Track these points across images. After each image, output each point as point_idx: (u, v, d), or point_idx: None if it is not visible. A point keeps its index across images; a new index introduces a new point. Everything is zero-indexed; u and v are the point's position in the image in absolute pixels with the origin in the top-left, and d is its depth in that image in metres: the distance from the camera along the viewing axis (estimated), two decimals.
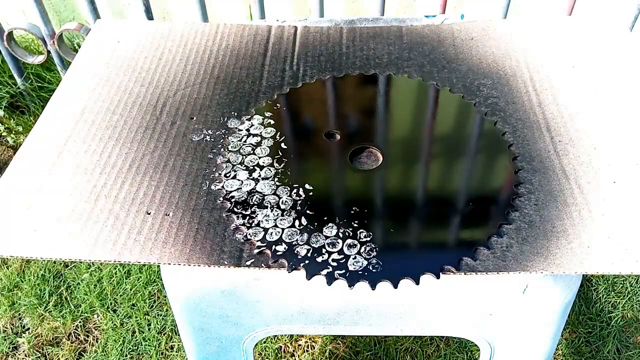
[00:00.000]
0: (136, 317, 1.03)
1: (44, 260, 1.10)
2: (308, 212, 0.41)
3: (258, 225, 0.40)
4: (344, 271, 0.37)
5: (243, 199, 0.42)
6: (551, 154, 0.46)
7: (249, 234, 0.40)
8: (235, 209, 0.41)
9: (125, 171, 0.45)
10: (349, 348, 0.95)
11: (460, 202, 0.42)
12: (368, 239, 0.39)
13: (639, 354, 0.96)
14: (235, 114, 0.50)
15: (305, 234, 0.40)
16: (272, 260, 0.38)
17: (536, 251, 0.38)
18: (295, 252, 0.39)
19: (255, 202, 0.42)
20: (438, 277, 0.36)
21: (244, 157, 0.46)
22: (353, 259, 0.38)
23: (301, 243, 0.39)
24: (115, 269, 1.10)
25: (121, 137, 0.48)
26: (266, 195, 0.42)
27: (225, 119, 0.50)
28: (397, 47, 0.57)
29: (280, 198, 0.42)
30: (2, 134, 1.35)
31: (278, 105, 0.51)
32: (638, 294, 1.03)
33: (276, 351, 0.93)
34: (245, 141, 0.47)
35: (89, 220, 0.41)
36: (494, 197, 0.42)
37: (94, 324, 1.04)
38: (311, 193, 0.42)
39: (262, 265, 0.38)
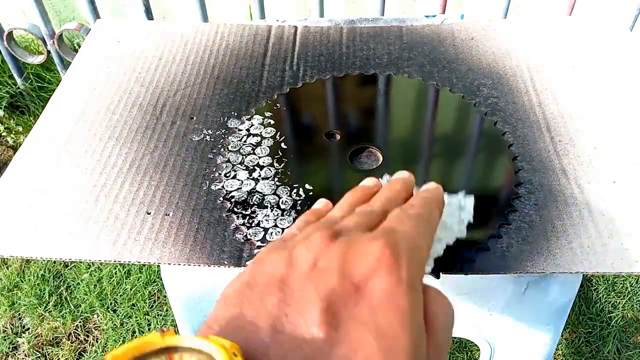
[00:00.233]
0: (136, 317, 1.03)
1: (43, 260, 1.10)
2: None
3: (258, 225, 0.40)
4: None
5: (243, 198, 0.42)
6: (551, 154, 0.46)
7: (249, 233, 0.40)
8: (235, 209, 0.41)
9: (125, 171, 0.45)
10: None
11: None
12: None
13: (639, 354, 0.96)
14: (235, 114, 0.50)
15: None
16: None
17: (536, 251, 0.38)
18: None
19: (255, 202, 0.42)
20: (438, 277, 0.36)
21: (244, 157, 0.46)
22: None
23: None
24: (115, 269, 1.10)
25: (121, 137, 0.48)
26: (266, 195, 0.42)
27: (225, 118, 0.50)
28: (397, 47, 0.57)
29: (280, 198, 0.42)
30: (2, 134, 1.35)
31: (278, 105, 0.51)
32: (638, 294, 1.03)
33: None
34: (245, 141, 0.47)
35: (89, 220, 0.41)
36: (494, 197, 0.42)
37: (94, 324, 1.04)
38: (311, 193, 0.42)
39: None
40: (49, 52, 1.15)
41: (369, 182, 0.33)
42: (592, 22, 0.59)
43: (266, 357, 0.19)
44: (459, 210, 0.33)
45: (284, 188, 0.43)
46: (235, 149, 0.47)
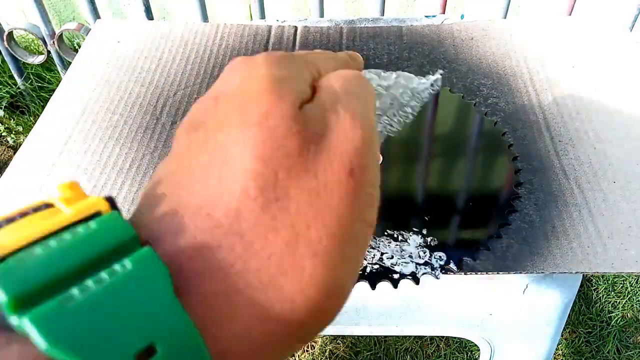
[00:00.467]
0: None
1: None
2: None
3: None
4: None
5: None
6: (551, 154, 0.46)
7: None
8: None
9: (126, 171, 0.45)
10: (348, 348, 0.95)
11: (460, 202, 0.42)
12: None
13: (639, 354, 0.96)
14: None
15: None
16: None
17: (536, 251, 0.38)
18: None
19: None
20: (438, 277, 0.36)
21: None
22: None
23: None
24: None
25: (121, 137, 0.48)
26: None
27: None
28: (397, 47, 0.57)
29: None
30: (2, 134, 1.35)
31: None
32: (638, 294, 1.03)
33: None
34: None
35: None
36: (494, 197, 0.42)
37: None
38: None
39: None
40: (49, 52, 1.15)
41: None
42: (592, 22, 0.59)
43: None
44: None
45: None
46: None
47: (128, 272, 0.14)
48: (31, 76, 1.33)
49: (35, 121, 0.49)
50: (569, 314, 0.52)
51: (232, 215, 0.16)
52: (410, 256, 0.38)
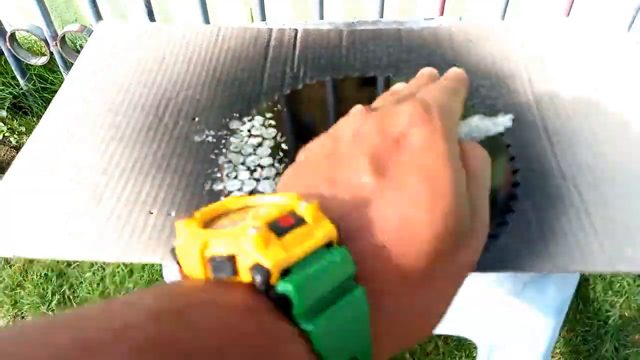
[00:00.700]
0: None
1: (46, 260, 1.11)
2: None
3: None
4: None
5: None
6: (549, 155, 0.46)
7: None
8: None
9: (128, 171, 0.45)
10: None
11: None
12: None
13: (636, 353, 0.96)
14: (237, 115, 0.51)
15: None
16: None
17: (534, 251, 0.39)
18: None
19: None
20: None
21: (246, 157, 0.46)
22: None
23: None
24: (118, 267, 1.11)
25: (124, 138, 0.48)
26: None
27: (227, 120, 0.50)
28: (396, 49, 0.58)
29: None
30: (5, 135, 1.35)
31: (279, 106, 0.51)
32: (635, 293, 1.03)
33: None
34: (246, 142, 0.48)
35: (91, 219, 0.41)
36: (492, 197, 0.43)
37: None
38: None
39: None
40: (51, 53, 1.15)
41: (397, 85, 0.35)
42: (591, 22, 0.59)
43: (325, 208, 0.21)
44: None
45: None
46: (236, 150, 0.47)
47: (357, 299, 0.19)
48: (34, 77, 1.33)
49: (38, 122, 0.50)
50: (567, 313, 0.53)
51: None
52: None
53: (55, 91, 0.53)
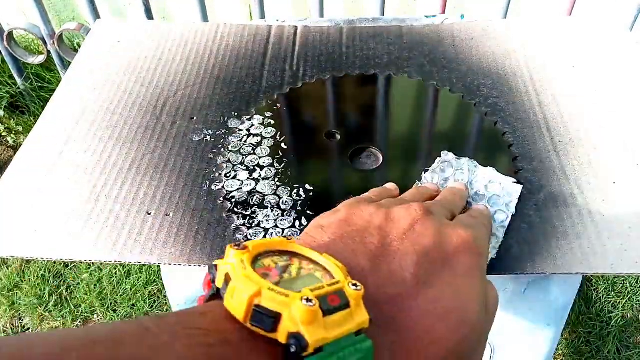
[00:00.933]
0: (136, 317, 1.03)
1: (44, 260, 1.10)
2: (308, 212, 0.41)
3: (258, 225, 0.40)
4: None
5: (243, 199, 0.42)
6: (551, 154, 0.46)
7: (250, 234, 0.40)
8: (236, 209, 0.41)
9: (126, 171, 0.45)
10: None
11: None
12: None
13: (639, 354, 0.96)
14: (236, 114, 0.50)
15: None
16: None
17: (536, 252, 0.38)
18: None
19: (256, 203, 0.42)
20: None
21: (245, 157, 0.46)
22: None
23: None
24: (115, 269, 1.10)
25: (121, 137, 0.48)
26: (266, 195, 0.42)
27: (226, 119, 0.50)
28: (397, 47, 0.57)
29: (280, 198, 0.42)
30: (2, 134, 1.35)
31: (278, 105, 0.51)
32: (638, 294, 1.03)
33: None
34: (245, 141, 0.47)
35: (89, 220, 0.41)
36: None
37: (94, 324, 1.04)
38: (311, 193, 0.42)
39: None
40: (49, 52, 1.15)
41: (428, 185, 0.40)
42: (592, 22, 0.59)
43: (364, 284, 0.22)
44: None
45: (285, 188, 0.43)
46: (235, 149, 0.47)
47: None
48: (31, 76, 1.33)
49: (36, 121, 0.49)
50: (569, 314, 0.52)
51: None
52: None
53: (53, 90, 0.52)
